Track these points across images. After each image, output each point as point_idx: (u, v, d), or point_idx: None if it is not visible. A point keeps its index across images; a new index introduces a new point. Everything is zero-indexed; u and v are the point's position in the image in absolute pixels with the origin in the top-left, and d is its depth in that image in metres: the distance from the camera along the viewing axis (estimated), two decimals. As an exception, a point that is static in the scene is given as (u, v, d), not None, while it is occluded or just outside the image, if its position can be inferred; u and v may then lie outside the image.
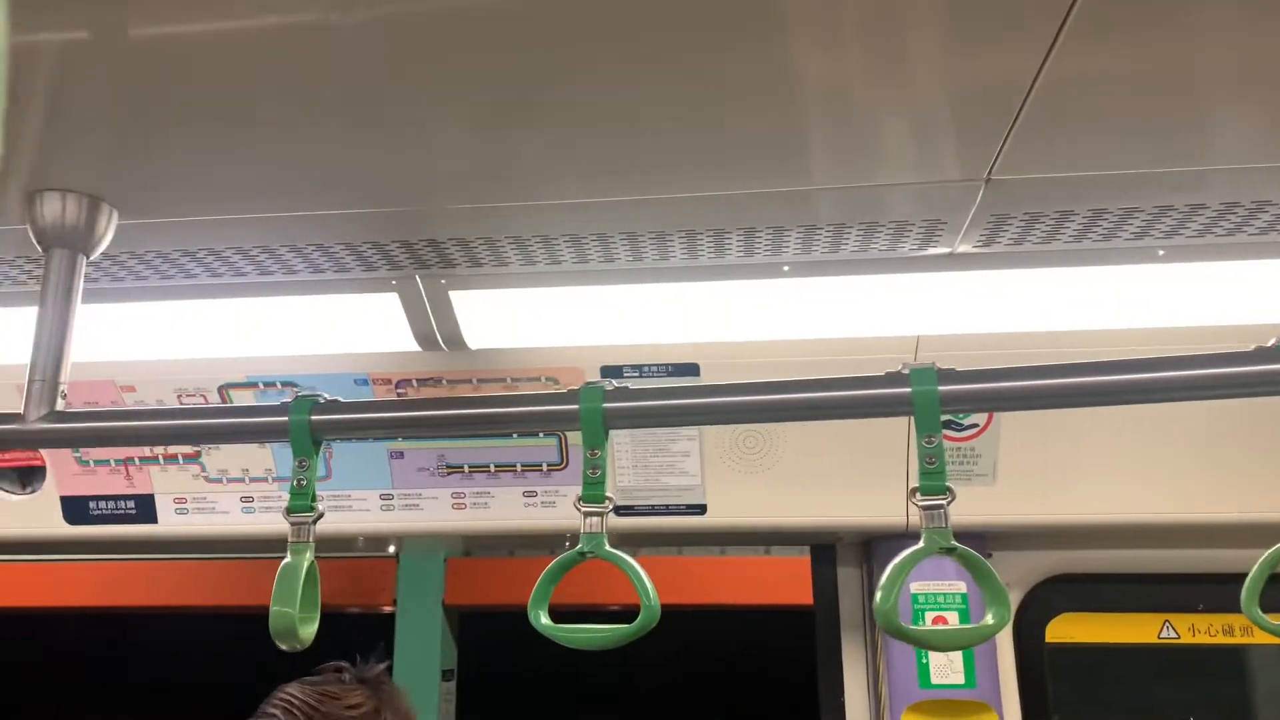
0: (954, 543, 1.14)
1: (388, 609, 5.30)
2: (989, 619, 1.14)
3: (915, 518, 2.02)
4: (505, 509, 2.15)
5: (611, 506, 1.25)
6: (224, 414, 1.36)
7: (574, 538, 2.26)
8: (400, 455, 2.15)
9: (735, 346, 1.86)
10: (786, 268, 1.63)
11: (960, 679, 2.01)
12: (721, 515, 2.08)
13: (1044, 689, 2.12)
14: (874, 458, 2.02)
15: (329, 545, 2.35)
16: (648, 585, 1.20)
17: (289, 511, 1.29)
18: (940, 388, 1.16)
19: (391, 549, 5.04)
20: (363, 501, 2.17)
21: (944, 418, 1.19)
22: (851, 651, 2.27)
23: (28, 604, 5.05)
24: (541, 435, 2.11)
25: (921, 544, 1.15)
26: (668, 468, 2.08)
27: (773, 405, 1.22)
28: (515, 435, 2.11)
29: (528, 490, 2.16)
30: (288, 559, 1.27)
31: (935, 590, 2.08)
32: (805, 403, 1.20)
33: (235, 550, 2.66)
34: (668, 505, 2.10)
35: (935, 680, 2.02)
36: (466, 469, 2.15)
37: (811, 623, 2.36)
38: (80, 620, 5.65)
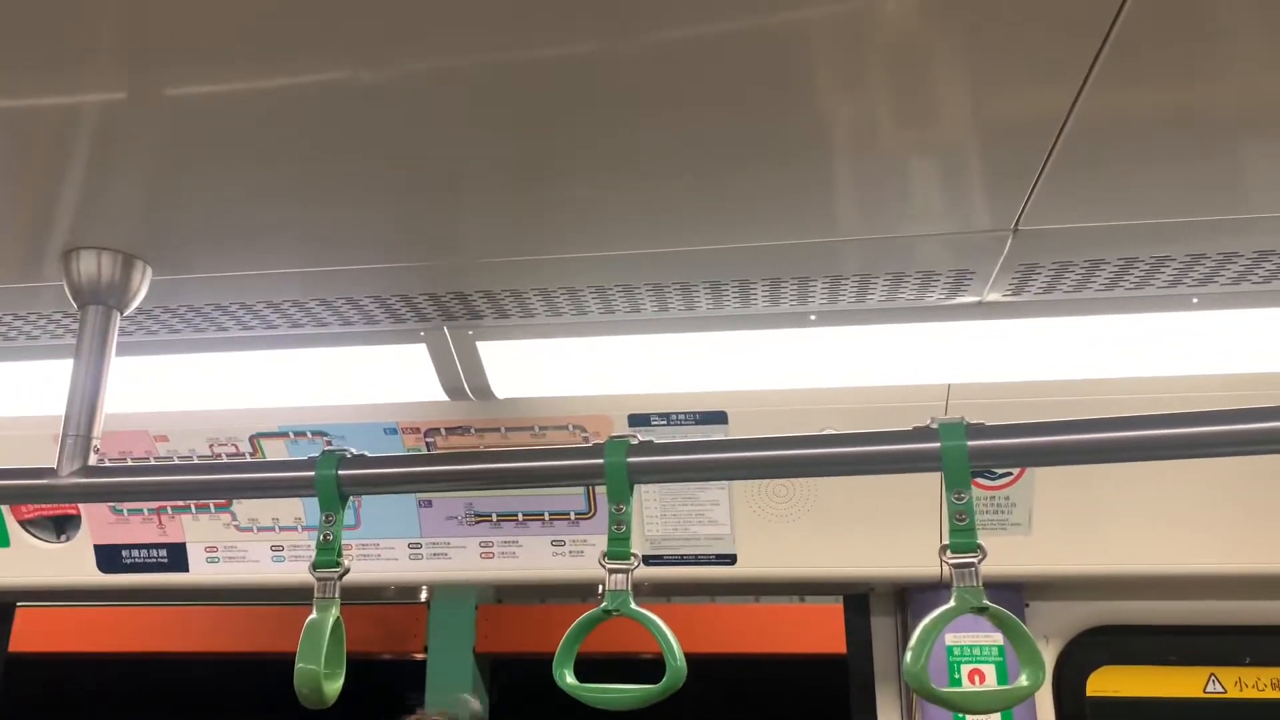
0: (986, 602, 1.12)
1: (419, 656, 5.28)
2: (1024, 680, 1.11)
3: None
4: (533, 558, 2.14)
5: (637, 563, 1.24)
6: (252, 469, 1.37)
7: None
8: (429, 504, 2.15)
9: (763, 395, 1.85)
10: (813, 317, 1.62)
11: (998, 733, 1.96)
12: (752, 565, 2.05)
13: (1086, 744, 2.06)
14: (907, 506, 1.99)
15: (362, 593, 2.35)
16: (674, 645, 1.18)
17: (315, 567, 1.29)
18: (970, 443, 1.14)
19: (423, 596, 5.03)
20: (391, 550, 2.17)
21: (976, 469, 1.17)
22: (886, 702, 2.22)
23: (58, 649, 5.08)
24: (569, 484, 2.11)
25: (953, 603, 1.12)
26: (696, 516, 2.06)
27: (799, 460, 1.21)
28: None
29: (555, 539, 2.15)
30: (313, 615, 1.27)
31: (972, 643, 2.03)
32: (832, 458, 1.19)
33: (265, 599, 2.66)
34: (697, 555, 2.08)
35: (973, 735, 1.97)
36: (494, 518, 2.15)
37: (844, 671, 2.32)
38: (110, 665, 5.67)
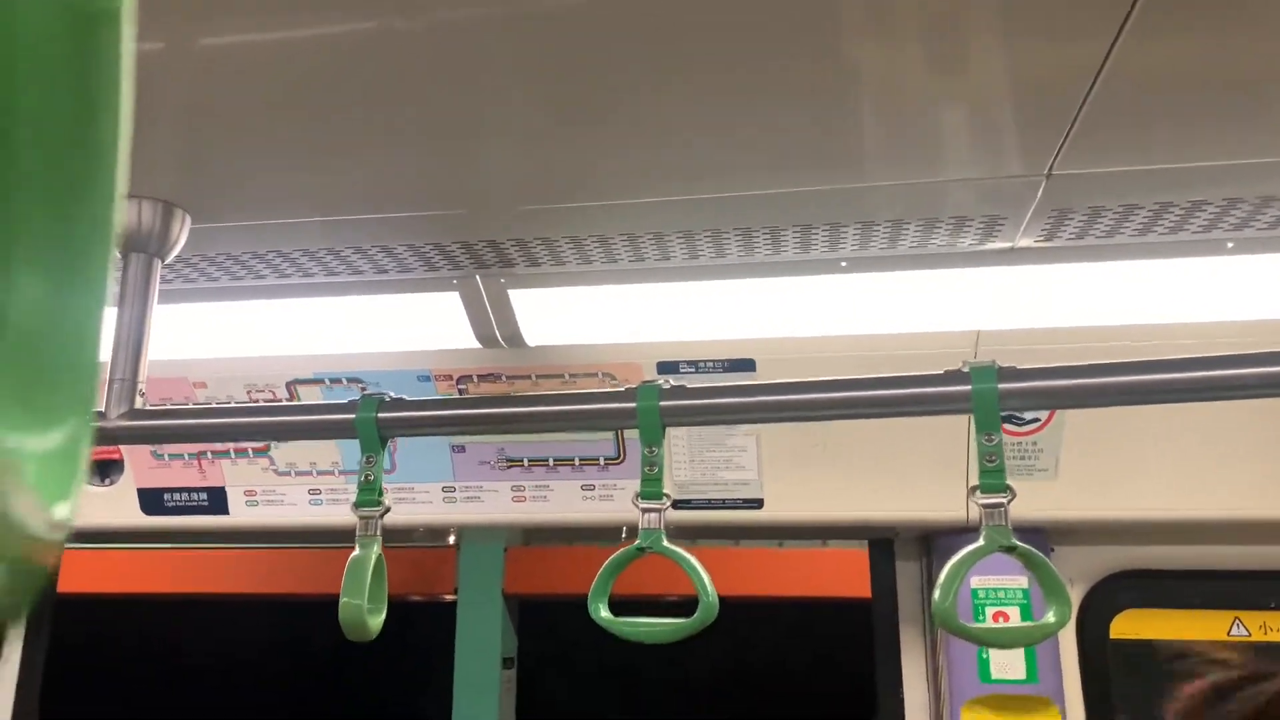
0: (1014, 541, 1.14)
1: (449, 598, 5.39)
2: (1050, 617, 1.14)
3: (976, 512, 2.02)
4: (564, 502, 2.18)
5: (669, 503, 1.27)
6: (294, 412, 1.40)
7: (632, 530, 2.28)
8: (462, 449, 2.19)
9: (792, 342, 1.86)
10: (844, 263, 1.62)
11: (1021, 674, 1.99)
12: (778, 510, 2.08)
13: (1107, 685, 2.09)
14: (934, 451, 2.01)
15: (391, 536, 2.41)
16: (706, 581, 1.22)
17: (356, 506, 1.33)
18: (1000, 385, 1.15)
19: (451, 539, 5.10)
20: (426, 494, 2.22)
21: (1004, 414, 1.18)
22: (910, 646, 2.26)
23: (103, 590, 5.21)
24: (599, 429, 2.14)
25: (981, 542, 1.15)
26: (724, 462, 2.09)
27: (829, 403, 1.23)
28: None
29: (586, 484, 2.18)
30: (356, 552, 1.31)
31: (996, 585, 2.06)
32: (863, 400, 1.21)
33: (303, 541, 2.73)
34: (725, 499, 2.11)
35: (996, 675, 2.01)
36: (526, 463, 2.18)
37: (869, 615, 2.35)
38: (154, 606, 5.82)
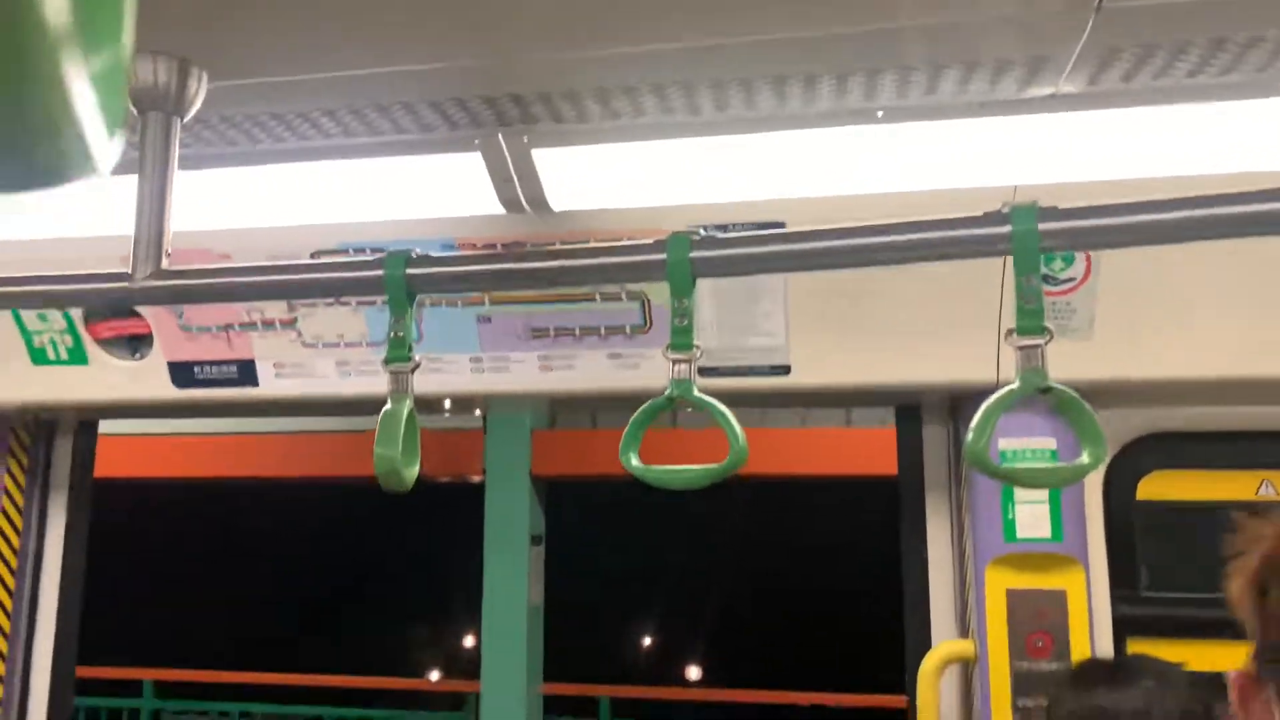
0: (1050, 383, 1.13)
1: (476, 479, 5.50)
2: (1084, 458, 1.13)
3: (1005, 374, 2.00)
4: (590, 371, 2.18)
5: (700, 354, 1.26)
6: (322, 269, 1.39)
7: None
8: (488, 320, 2.19)
9: (823, 201, 1.82)
10: (880, 113, 1.57)
11: (1047, 533, 2.01)
12: (805, 376, 2.08)
13: (1132, 545, 2.11)
14: (963, 313, 1.99)
15: (420, 409, 2.43)
16: (735, 426, 1.22)
17: (387, 361, 1.33)
18: (1041, 225, 1.12)
19: (477, 411, 5.15)
20: (453, 364, 2.23)
21: (1045, 272, 1.15)
22: (936, 511, 2.28)
23: (141, 474, 5.36)
24: (625, 298, 2.12)
25: (1017, 384, 1.13)
26: (751, 328, 2.07)
27: (866, 248, 1.20)
28: (599, 298, 2.12)
29: (612, 353, 2.18)
30: (388, 406, 1.32)
31: (1024, 446, 2.06)
32: (901, 245, 1.18)
33: (332, 413, 2.76)
34: (751, 366, 2.10)
35: (1021, 534, 2.03)
36: (552, 332, 2.18)
37: (894, 490, 2.37)
38: (187, 489, 6.00)
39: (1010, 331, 1.15)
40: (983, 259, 1.89)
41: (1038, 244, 1.12)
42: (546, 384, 2.22)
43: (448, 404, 2.55)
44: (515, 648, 5.11)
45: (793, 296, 2.02)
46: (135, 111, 1.43)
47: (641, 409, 1.28)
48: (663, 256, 1.23)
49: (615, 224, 1.93)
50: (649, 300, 2.10)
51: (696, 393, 1.24)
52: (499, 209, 1.92)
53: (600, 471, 5.83)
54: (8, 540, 2.55)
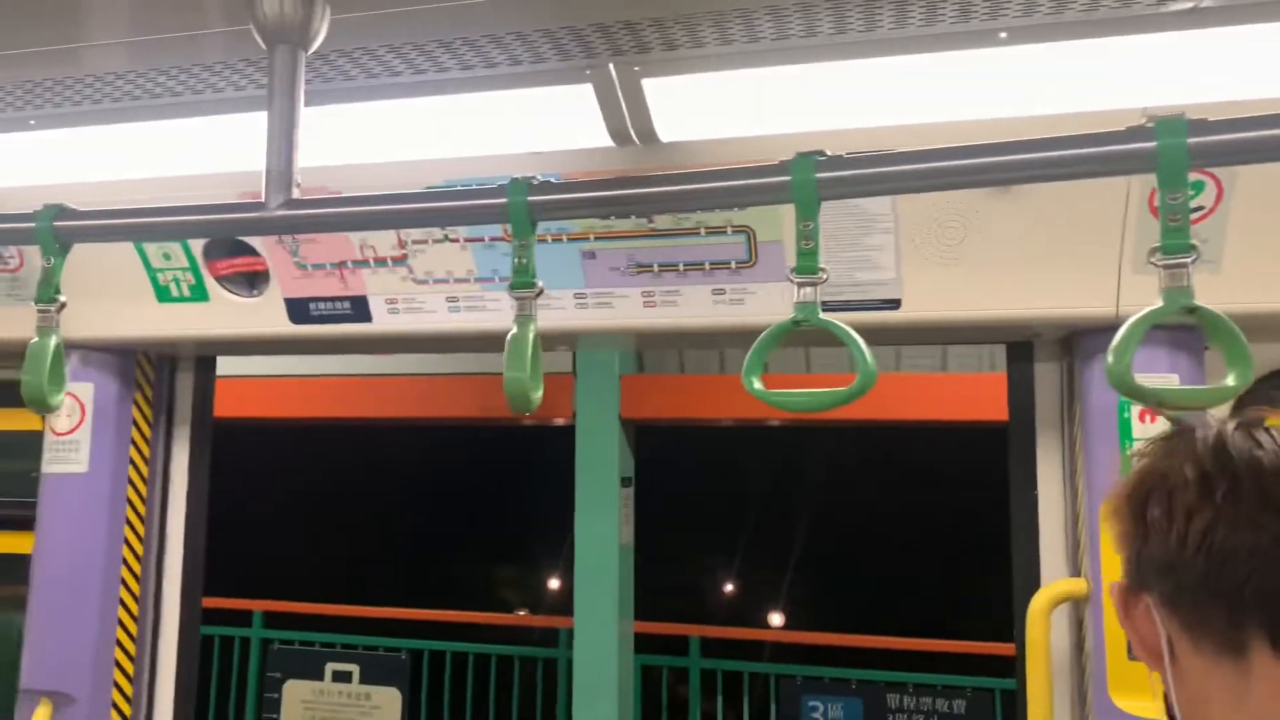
0: (1195, 302, 1.09)
1: (559, 422, 5.60)
2: (1230, 379, 1.10)
3: (1128, 308, 1.94)
4: (694, 306, 2.18)
5: (825, 277, 1.25)
6: (446, 197, 1.41)
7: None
8: (592, 256, 2.20)
9: (942, 128, 1.77)
10: (1004, 34, 1.52)
11: (1166, 471, 1.96)
12: (916, 309, 2.05)
13: (1257, 484, 2.04)
14: (1081, 245, 1.93)
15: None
16: (864, 349, 1.21)
17: (512, 287, 1.36)
18: (1190, 140, 1.08)
19: (564, 349, 5.21)
20: (558, 300, 2.25)
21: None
22: (1047, 447, 2.24)
23: (254, 414, 5.58)
24: (730, 232, 2.11)
25: (1161, 303, 1.10)
26: (861, 262, 2.05)
27: (1000, 166, 1.17)
28: (704, 232, 2.12)
29: (716, 288, 2.18)
30: (514, 331, 1.34)
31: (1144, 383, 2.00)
32: (1037, 162, 1.15)
33: (441, 349, 2.82)
34: (861, 301, 2.08)
35: (1139, 472, 1.98)
36: (656, 268, 2.18)
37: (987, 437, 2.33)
38: (287, 431, 6.22)
39: (1154, 250, 1.11)
40: (1105, 187, 1.86)
41: (1185, 159, 1.08)
42: (650, 320, 2.23)
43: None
44: (607, 586, 5.22)
45: (905, 229, 1.99)
46: (263, 45, 1.47)
47: (766, 332, 1.28)
48: (788, 178, 1.22)
49: (724, 155, 1.91)
50: (754, 234, 2.09)
51: (822, 315, 1.23)
52: (607, 142, 1.92)
53: (688, 415, 5.88)
54: (139, 471, 2.68)
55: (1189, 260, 1.10)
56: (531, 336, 1.33)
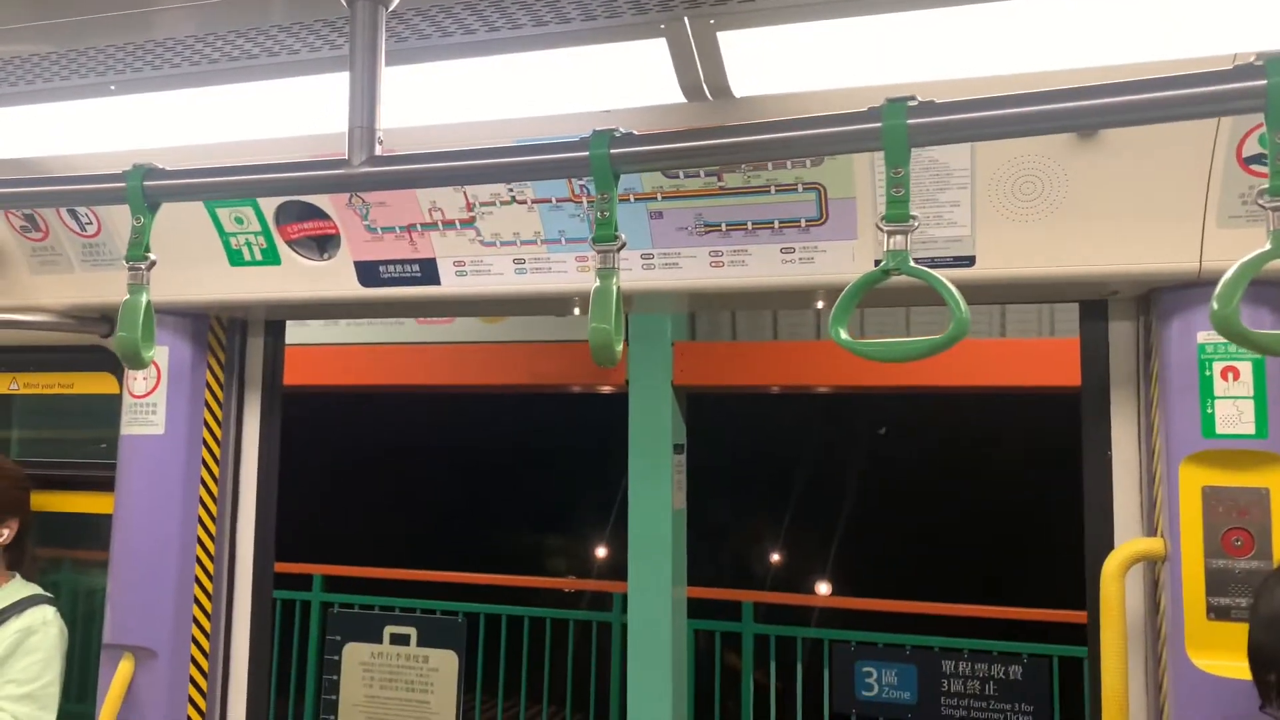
0: (1308, 246, 1.06)
1: (606, 389, 5.62)
2: (1342, 327, 1.07)
3: (1211, 263, 1.90)
4: (763, 265, 2.17)
5: (916, 225, 1.23)
6: (529, 152, 1.42)
7: (829, 293, 2.25)
8: (659, 215, 2.20)
9: (1026, 78, 1.74)
10: (1093, -23, 1.48)
11: (1250, 429, 1.92)
12: (991, 266, 2.02)
13: (1344, 443, 2.00)
14: (1164, 199, 1.89)
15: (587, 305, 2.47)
16: (957, 296, 1.20)
17: (595, 240, 1.36)
18: (1304, 76, 1.04)
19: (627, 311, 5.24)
20: (625, 261, 2.25)
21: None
22: (1122, 405, 2.21)
23: (315, 381, 5.67)
24: (801, 189, 2.09)
25: (1269, 246, 1.07)
26: (935, 218, 2.02)
27: (1097, 110, 1.15)
28: (774, 190, 2.10)
29: (785, 247, 2.16)
30: (598, 284, 1.35)
31: (1225, 340, 1.95)
32: (1142, 104, 1.12)
33: (510, 311, 2.84)
34: (934, 258, 2.05)
35: (1221, 430, 1.94)
36: (724, 227, 2.17)
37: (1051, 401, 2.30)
38: (357, 398, 6.31)
39: (1261, 192, 1.08)
40: (1189, 139, 1.81)
41: (1299, 95, 1.05)
42: (718, 279, 2.22)
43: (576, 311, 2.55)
44: (660, 551, 5.25)
45: (980, 185, 1.96)
46: (344, 2, 1.48)
47: (854, 282, 1.27)
48: (879, 124, 1.20)
49: (798, 108, 1.89)
50: (825, 191, 2.07)
51: (913, 264, 1.22)
52: (679, 98, 1.91)
53: (740, 382, 5.87)
54: (213, 433, 2.74)
55: (1302, 202, 1.06)
56: (615, 289, 1.33)
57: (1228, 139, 1.80)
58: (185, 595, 2.66)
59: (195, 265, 2.51)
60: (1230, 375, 1.96)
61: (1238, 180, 1.83)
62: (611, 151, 1.35)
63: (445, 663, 5.87)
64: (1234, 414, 1.94)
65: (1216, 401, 1.95)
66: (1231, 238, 1.89)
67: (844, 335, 1.27)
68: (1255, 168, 1.82)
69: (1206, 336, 1.98)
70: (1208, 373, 1.97)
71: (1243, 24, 1.62)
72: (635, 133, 1.36)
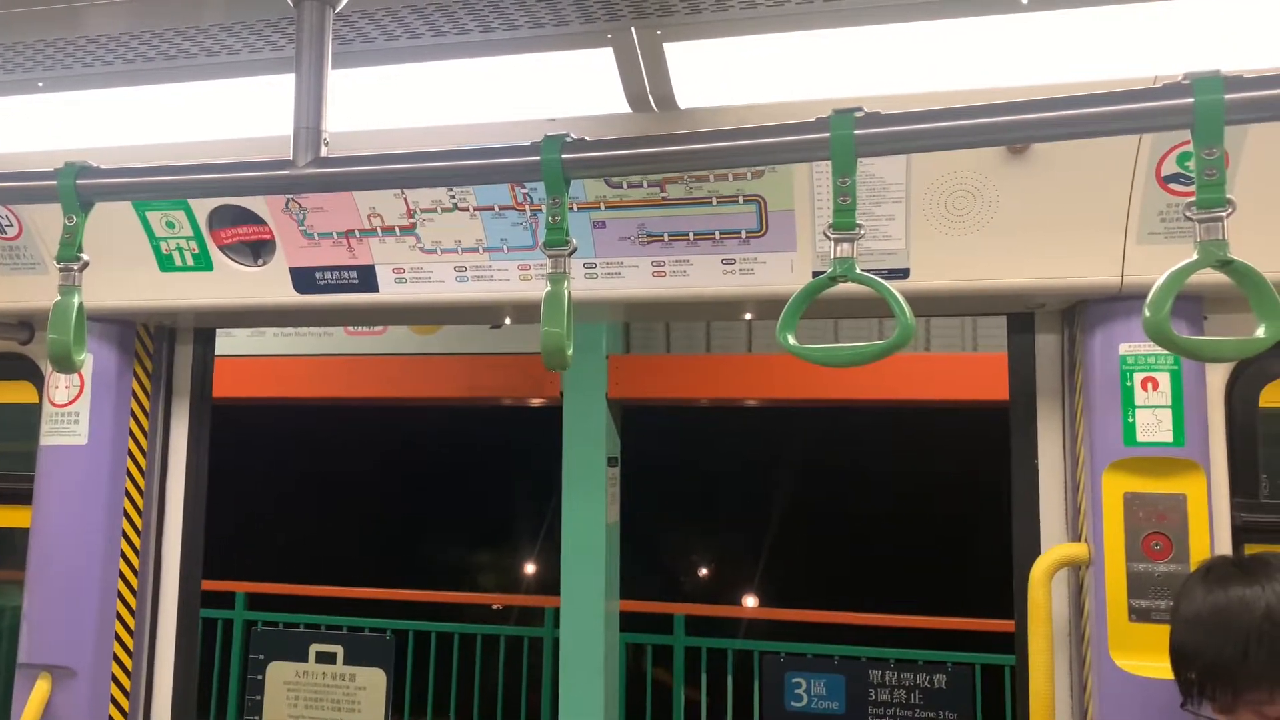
0: (1230, 255, 1.12)
1: (544, 401, 5.61)
2: (1261, 332, 1.13)
3: (1132, 278, 1.98)
4: (704, 276, 2.20)
5: (862, 233, 1.27)
6: (480, 155, 1.41)
7: (758, 305, 2.26)
8: (603, 225, 2.21)
9: (962, 95, 1.79)
10: (1025, 0, 1.54)
11: (1169, 437, 2.01)
12: (924, 279, 2.07)
13: (1254, 452, 2.10)
14: (1088, 215, 1.96)
15: (528, 314, 2.45)
16: (903, 303, 1.23)
17: (546, 245, 1.36)
18: (1227, 96, 1.10)
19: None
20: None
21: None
22: (1048, 415, 2.28)
23: (244, 395, 5.54)
24: (741, 201, 2.13)
25: (1196, 256, 1.13)
26: (871, 232, 2.07)
27: (1038, 123, 1.19)
28: (715, 202, 2.13)
29: (726, 258, 2.19)
30: (549, 288, 1.35)
31: (1146, 352, 2.04)
32: (1078, 119, 1.17)
33: (450, 319, 2.81)
34: (870, 270, 2.09)
35: (1142, 438, 2.02)
36: (666, 237, 2.20)
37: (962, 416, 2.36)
38: (281, 410, 6.17)
39: (1190, 205, 1.14)
40: (1112, 158, 1.89)
41: (1222, 114, 1.10)
42: (659, 289, 2.24)
43: (507, 320, 2.56)
44: (594, 564, 5.24)
45: (915, 200, 2.01)
46: (290, 2, 1.46)
47: (802, 289, 1.30)
48: (827, 134, 1.23)
49: (741, 120, 1.91)
50: (766, 204, 2.10)
51: (860, 271, 1.25)
52: (624, 108, 1.92)
53: (674, 395, 5.91)
54: (139, 444, 2.66)
55: (1224, 214, 1.12)
56: (566, 293, 1.34)
57: (1148, 158, 1.89)
58: (107, 612, 2.57)
59: (123, 270, 2.44)
60: (1150, 385, 2.04)
61: (1156, 198, 1.92)
62: (564, 156, 1.35)
63: (373, 681, 5.75)
64: (1153, 423, 2.03)
65: (1137, 410, 2.03)
66: (1150, 253, 1.97)
67: (792, 341, 1.29)
68: (1173, 186, 1.91)
69: (1128, 348, 2.06)
70: (1129, 383, 2.05)
71: (1164, 48, 1.70)
72: (588, 138, 1.37)
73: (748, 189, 2.09)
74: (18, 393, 2.80)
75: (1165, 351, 2.03)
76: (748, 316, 2.46)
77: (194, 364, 2.78)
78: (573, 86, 1.92)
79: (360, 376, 5.62)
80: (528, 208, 2.19)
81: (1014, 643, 2.30)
